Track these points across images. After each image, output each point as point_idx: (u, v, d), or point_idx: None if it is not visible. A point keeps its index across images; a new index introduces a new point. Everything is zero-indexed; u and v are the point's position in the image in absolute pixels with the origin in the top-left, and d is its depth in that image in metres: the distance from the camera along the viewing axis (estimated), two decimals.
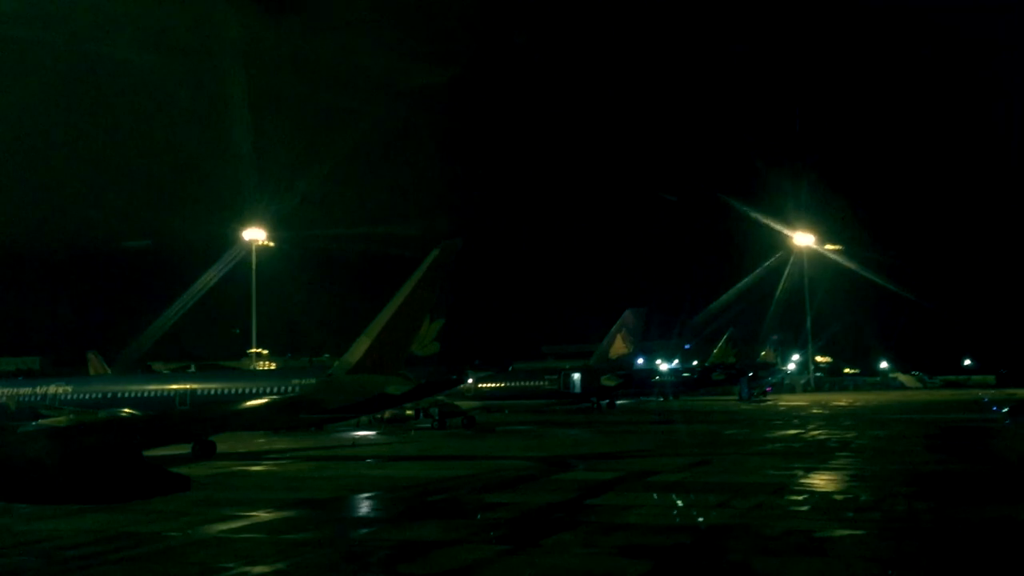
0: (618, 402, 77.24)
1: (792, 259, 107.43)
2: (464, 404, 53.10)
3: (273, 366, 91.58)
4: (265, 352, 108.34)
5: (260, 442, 40.90)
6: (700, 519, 17.23)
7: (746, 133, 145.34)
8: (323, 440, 42.47)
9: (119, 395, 38.35)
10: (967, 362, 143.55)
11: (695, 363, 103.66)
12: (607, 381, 58.37)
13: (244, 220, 73.80)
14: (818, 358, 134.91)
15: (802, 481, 22.97)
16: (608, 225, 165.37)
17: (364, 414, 36.86)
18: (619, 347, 58.86)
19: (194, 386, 38.33)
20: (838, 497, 19.98)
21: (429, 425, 54.44)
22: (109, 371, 62.95)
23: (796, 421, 53.02)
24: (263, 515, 18.92)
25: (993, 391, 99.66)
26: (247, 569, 13.55)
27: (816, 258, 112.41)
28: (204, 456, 36.55)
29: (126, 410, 36.13)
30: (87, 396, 38.87)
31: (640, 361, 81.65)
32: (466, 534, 16.07)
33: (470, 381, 51.03)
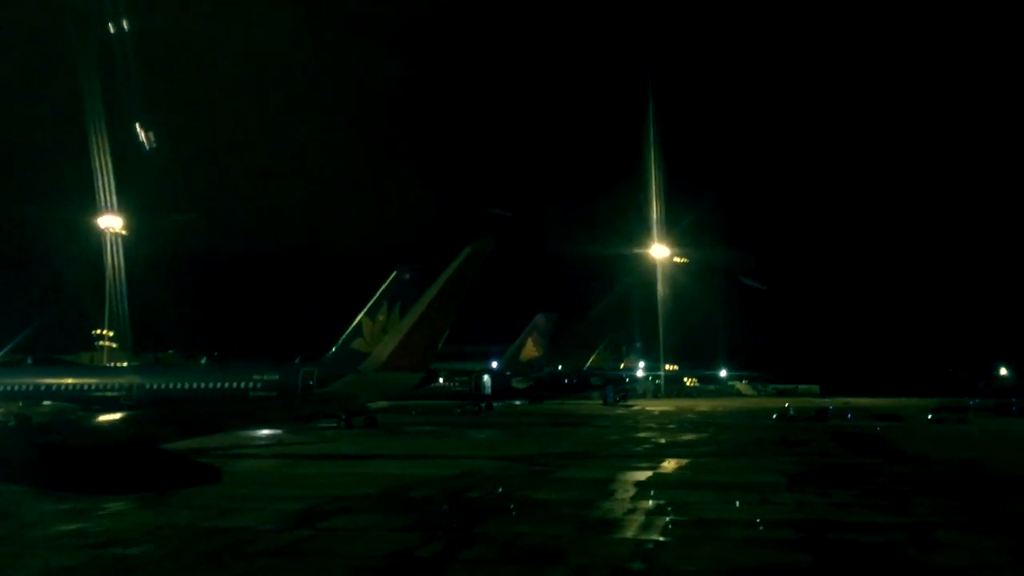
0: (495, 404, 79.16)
1: (655, 270, 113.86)
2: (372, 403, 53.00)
3: (125, 364, 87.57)
4: (115, 346, 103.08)
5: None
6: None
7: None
8: (224, 440, 41.20)
9: (56, 388, 36.18)
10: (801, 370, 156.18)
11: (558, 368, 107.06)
12: (518, 384, 59.78)
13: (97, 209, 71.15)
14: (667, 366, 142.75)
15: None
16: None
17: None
18: (530, 350, 60.54)
19: (140, 380, 36.61)
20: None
21: (335, 424, 53.89)
22: None
23: (689, 424, 56.98)
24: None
25: (817, 399, 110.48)
26: None
27: (670, 269, 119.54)
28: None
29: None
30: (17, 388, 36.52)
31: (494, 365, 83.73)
32: (570, 528, 16.89)
33: None
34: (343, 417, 54.16)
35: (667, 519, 17.89)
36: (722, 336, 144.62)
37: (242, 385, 34.14)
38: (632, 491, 22.78)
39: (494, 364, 66.75)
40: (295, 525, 17.40)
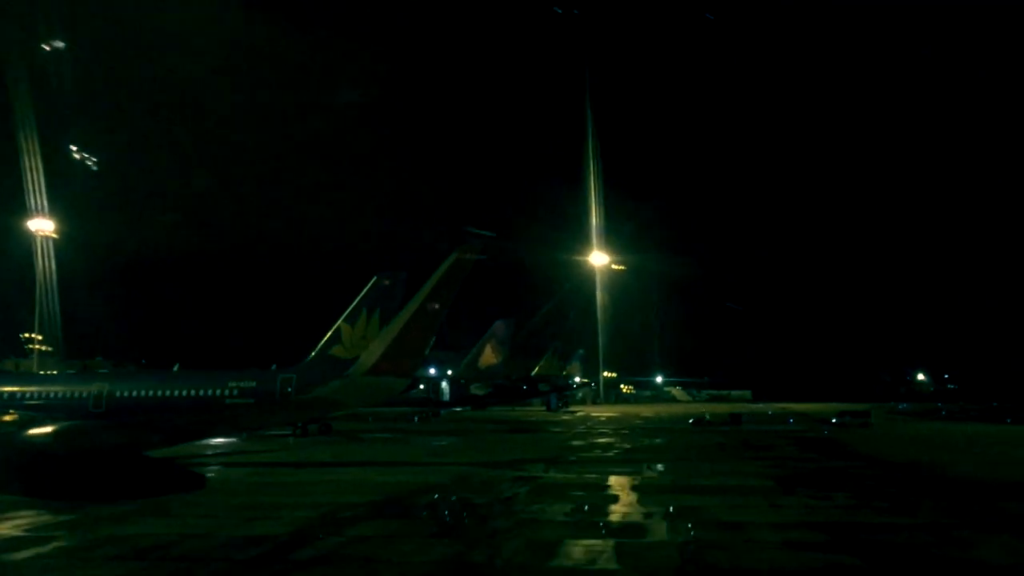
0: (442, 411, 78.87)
1: (596, 277, 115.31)
2: None
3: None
4: (48, 349, 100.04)
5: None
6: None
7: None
8: (180, 450, 40.02)
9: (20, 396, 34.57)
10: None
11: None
12: (477, 390, 59.70)
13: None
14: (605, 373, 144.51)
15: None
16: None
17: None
18: (488, 357, 60.52)
19: (110, 388, 35.25)
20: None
21: (290, 432, 52.95)
22: None
23: (640, 430, 57.77)
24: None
25: (751, 404, 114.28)
26: None
27: (608, 276, 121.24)
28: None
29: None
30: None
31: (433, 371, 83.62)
32: (600, 532, 17.20)
33: None
34: (299, 424, 53.30)
35: (688, 523, 18.15)
36: (656, 343, 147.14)
37: (218, 392, 33.28)
38: (633, 495, 23.10)
39: (449, 372, 66.57)
40: (323, 533, 17.14)
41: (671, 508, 20.47)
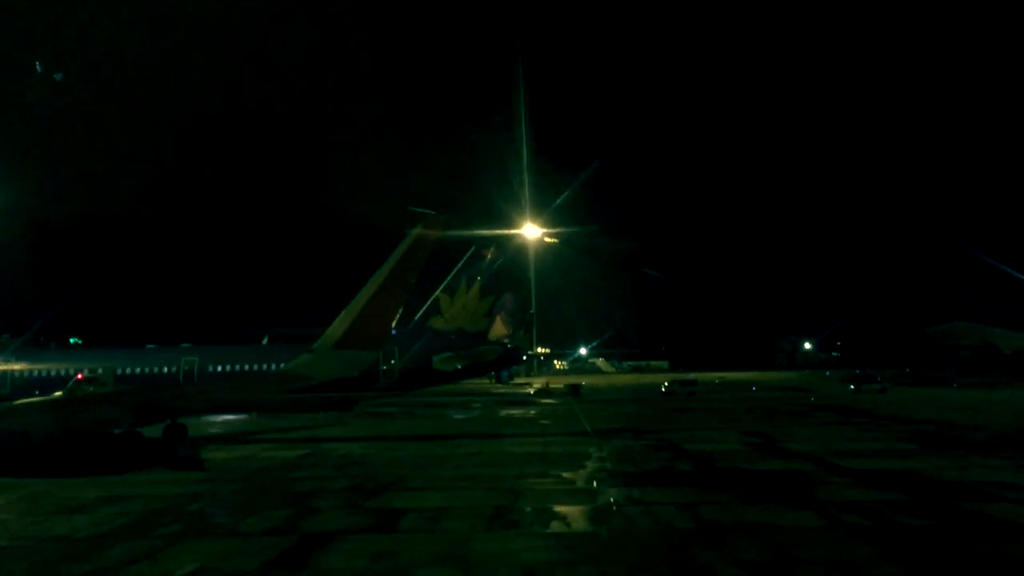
0: None
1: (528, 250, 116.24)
2: None
3: None
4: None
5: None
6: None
7: None
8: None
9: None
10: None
11: None
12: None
13: None
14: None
15: None
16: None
17: (354, 390, 34.25)
18: (499, 329, 59.95)
19: (200, 361, 33.52)
20: None
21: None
22: None
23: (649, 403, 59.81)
24: None
25: (666, 374, 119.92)
26: None
27: (540, 249, 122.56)
28: (177, 439, 32.51)
29: None
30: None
31: None
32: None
33: None
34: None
35: None
36: (581, 315, 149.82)
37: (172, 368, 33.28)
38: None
39: None
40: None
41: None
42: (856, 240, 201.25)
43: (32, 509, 18.64)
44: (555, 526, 15.80)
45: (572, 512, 17.07)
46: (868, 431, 33.68)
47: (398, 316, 26.22)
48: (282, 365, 31.97)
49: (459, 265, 35.75)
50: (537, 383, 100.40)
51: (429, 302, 35.33)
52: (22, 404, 27.46)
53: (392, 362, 33.75)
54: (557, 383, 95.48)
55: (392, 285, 25.02)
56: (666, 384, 76.88)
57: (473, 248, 36.05)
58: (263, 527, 16.23)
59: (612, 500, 18.45)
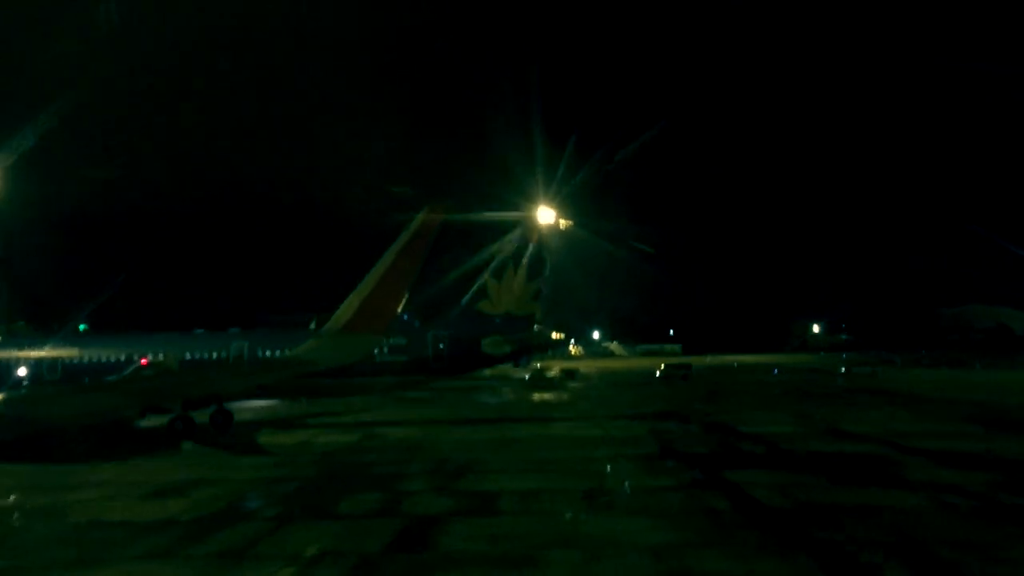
0: None
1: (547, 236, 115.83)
2: None
3: None
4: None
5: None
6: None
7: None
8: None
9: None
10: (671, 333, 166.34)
11: None
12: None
13: None
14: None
15: None
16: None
17: (358, 376, 34.28)
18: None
19: (250, 346, 33.47)
20: None
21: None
22: None
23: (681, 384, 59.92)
24: None
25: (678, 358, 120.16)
26: None
27: (553, 234, 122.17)
28: (224, 426, 32.50)
29: None
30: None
31: None
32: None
33: None
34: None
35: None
36: (595, 300, 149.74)
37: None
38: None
39: None
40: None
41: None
42: (865, 223, 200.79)
43: (117, 494, 18.66)
44: (655, 507, 15.79)
45: (667, 494, 17.05)
46: (923, 413, 33.66)
47: (405, 299, 26.25)
48: None
49: (502, 249, 35.52)
50: (555, 367, 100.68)
51: (475, 287, 35.23)
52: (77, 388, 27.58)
53: (440, 347, 33.80)
54: (572, 367, 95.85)
55: (398, 269, 25.05)
56: (662, 367, 77.60)
57: (518, 230, 35.97)
58: (363, 510, 16.26)
59: (698, 480, 18.46)
